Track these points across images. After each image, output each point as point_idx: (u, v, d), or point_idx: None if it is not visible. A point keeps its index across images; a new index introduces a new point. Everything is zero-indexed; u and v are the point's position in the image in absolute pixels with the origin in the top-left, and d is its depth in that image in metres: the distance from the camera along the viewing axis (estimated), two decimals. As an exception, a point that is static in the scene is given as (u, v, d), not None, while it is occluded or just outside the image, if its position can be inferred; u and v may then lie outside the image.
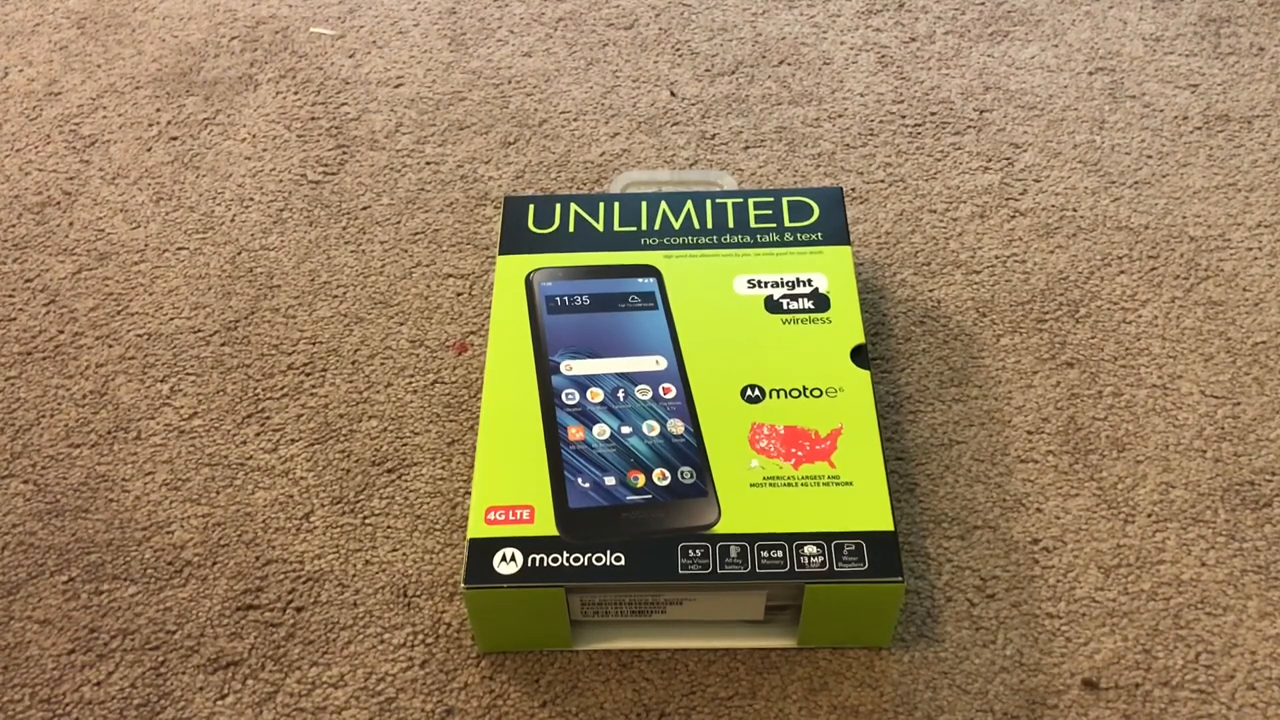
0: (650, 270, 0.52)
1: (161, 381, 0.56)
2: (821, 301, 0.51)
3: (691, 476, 0.45)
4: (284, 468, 0.52)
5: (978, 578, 0.48)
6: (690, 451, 0.46)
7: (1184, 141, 0.65)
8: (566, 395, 0.48)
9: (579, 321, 0.51)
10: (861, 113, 0.67)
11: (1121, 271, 0.59)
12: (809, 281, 0.52)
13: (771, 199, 0.55)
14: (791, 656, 0.46)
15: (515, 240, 0.54)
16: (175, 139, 0.67)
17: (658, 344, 0.50)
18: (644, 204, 0.55)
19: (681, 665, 0.46)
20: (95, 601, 0.48)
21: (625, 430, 0.47)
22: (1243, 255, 0.59)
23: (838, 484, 0.45)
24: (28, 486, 0.52)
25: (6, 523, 0.51)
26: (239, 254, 0.61)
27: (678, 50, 0.72)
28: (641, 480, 0.45)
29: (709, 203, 0.55)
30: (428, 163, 0.66)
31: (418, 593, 0.48)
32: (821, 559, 0.43)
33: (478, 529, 0.44)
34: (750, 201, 0.55)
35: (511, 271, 0.53)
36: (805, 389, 0.48)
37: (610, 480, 0.45)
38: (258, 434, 0.53)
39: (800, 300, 0.51)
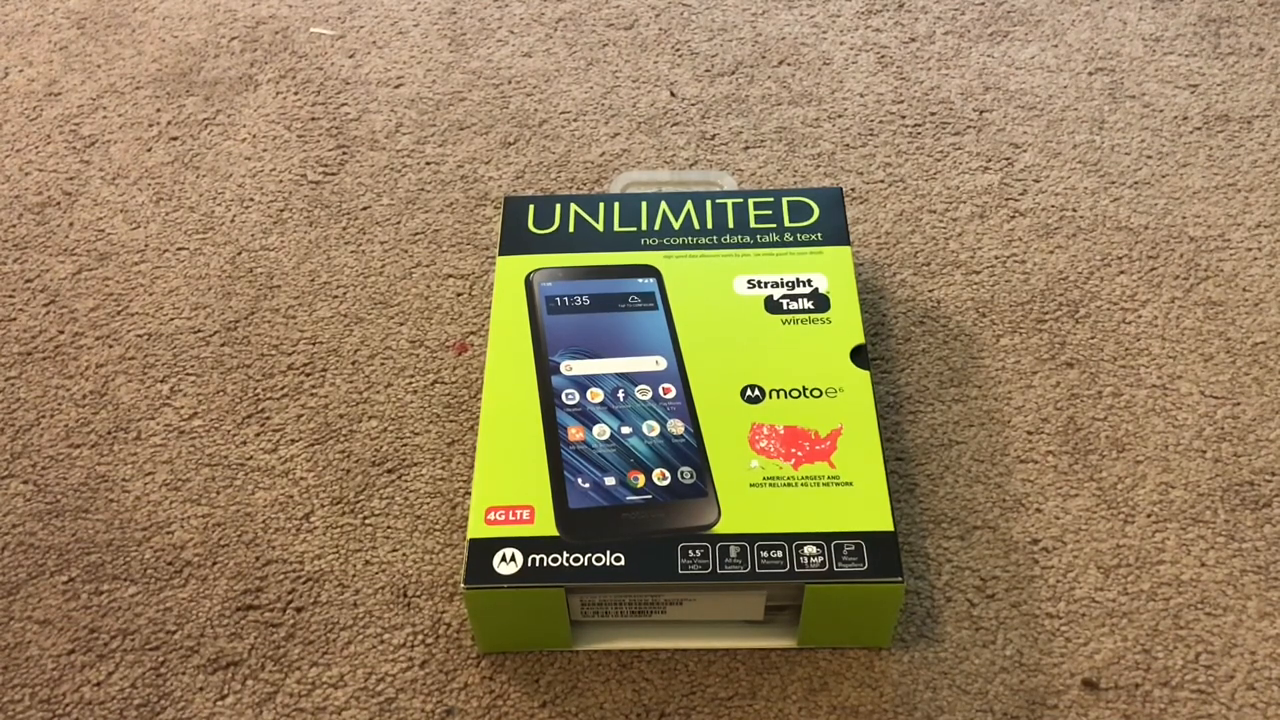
0: (650, 270, 0.52)
1: (161, 381, 0.56)
2: (821, 302, 0.51)
3: (691, 477, 0.45)
4: (284, 468, 0.52)
5: (978, 578, 0.48)
6: (690, 452, 0.46)
7: (1184, 141, 0.65)
8: (566, 395, 0.48)
9: (579, 322, 0.51)
10: (861, 113, 0.67)
11: (1121, 271, 0.59)
12: (809, 282, 0.52)
13: (771, 199, 0.55)
14: (791, 656, 0.46)
15: (515, 240, 0.54)
16: (175, 139, 0.67)
17: (658, 344, 0.50)
18: (644, 204, 0.55)
19: (681, 665, 0.46)
20: (95, 601, 0.48)
21: (625, 430, 0.47)
22: (1242, 255, 0.59)
23: (838, 484, 0.45)
24: (28, 486, 0.52)
25: (6, 523, 0.51)
26: (239, 254, 0.61)
27: (678, 50, 0.72)
28: (641, 480, 0.45)
29: (709, 203, 0.55)
30: (428, 163, 0.66)
31: (418, 593, 0.48)
32: (821, 559, 0.43)
33: (478, 529, 0.44)
34: (750, 201, 0.55)
35: (511, 271, 0.53)
36: (805, 389, 0.48)
37: (610, 480, 0.45)
38: (258, 434, 0.53)
39: (800, 300, 0.51)
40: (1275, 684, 0.45)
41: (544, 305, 0.51)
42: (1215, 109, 0.67)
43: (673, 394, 0.48)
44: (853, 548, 0.43)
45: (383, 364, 0.56)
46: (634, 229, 0.54)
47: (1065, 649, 0.46)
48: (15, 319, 0.59)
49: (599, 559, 0.43)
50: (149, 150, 0.67)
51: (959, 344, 0.56)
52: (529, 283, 0.52)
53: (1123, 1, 0.74)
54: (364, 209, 0.63)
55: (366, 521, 0.50)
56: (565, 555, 0.43)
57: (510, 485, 0.45)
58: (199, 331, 0.58)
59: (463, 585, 0.43)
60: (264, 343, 0.57)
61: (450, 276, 0.60)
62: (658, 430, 0.47)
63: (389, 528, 0.50)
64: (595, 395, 0.48)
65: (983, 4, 0.74)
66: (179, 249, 0.62)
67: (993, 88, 0.69)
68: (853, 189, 0.63)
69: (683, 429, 0.47)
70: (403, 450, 0.53)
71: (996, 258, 0.60)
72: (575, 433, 0.47)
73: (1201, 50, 0.70)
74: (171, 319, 0.58)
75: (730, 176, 0.59)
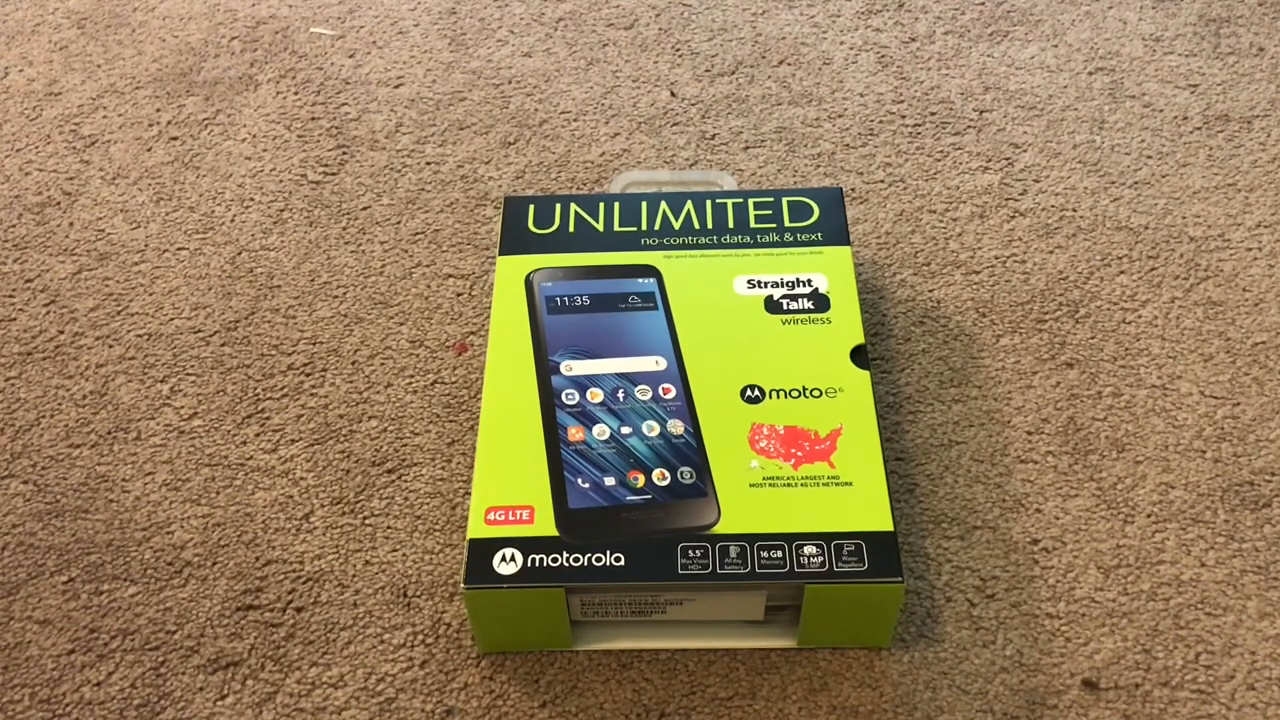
0: (650, 270, 0.52)
1: (161, 381, 0.56)
2: (821, 302, 0.51)
3: (691, 477, 0.45)
4: (284, 468, 0.52)
5: (978, 578, 0.48)
6: (690, 452, 0.46)
7: (1184, 141, 0.65)
8: (566, 395, 0.48)
9: (579, 322, 0.51)
10: (861, 113, 0.67)
11: (1121, 271, 0.59)
12: (809, 282, 0.52)
13: (771, 199, 0.55)
14: (791, 656, 0.46)
15: (515, 240, 0.54)
16: (175, 139, 0.67)
17: (658, 344, 0.50)
18: (644, 204, 0.55)
19: (681, 665, 0.46)
20: (95, 601, 0.48)
21: (625, 430, 0.47)
22: (1243, 255, 0.59)
23: (837, 484, 0.45)
24: (28, 486, 0.52)
25: (6, 523, 0.51)
26: (239, 254, 0.61)
27: (678, 50, 0.72)
28: (641, 480, 0.45)
29: (709, 203, 0.55)
30: (428, 163, 0.66)
31: (418, 593, 0.48)
32: (821, 559, 0.43)
33: (478, 529, 0.44)
34: (750, 201, 0.55)
35: (511, 271, 0.53)
36: (805, 389, 0.48)
37: (610, 480, 0.45)
38: (258, 434, 0.53)
39: (800, 300, 0.51)
40: (1275, 684, 0.45)
41: (544, 305, 0.51)
42: (1215, 109, 0.67)
43: (673, 394, 0.48)
44: (853, 548, 0.43)
45: (383, 364, 0.56)
46: (634, 229, 0.54)
47: (1065, 649, 0.46)
48: (15, 319, 0.59)
49: (599, 559, 0.43)
50: (149, 150, 0.67)
51: (959, 344, 0.56)
52: (529, 283, 0.52)
53: (1123, 1, 0.74)
54: (364, 209, 0.63)
55: (366, 521, 0.50)
56: (565, 555, 0.43)
57: (510, 485, 0.45)
58: (199, 331, 0.58)
59: (463, 585, 0.43)
60: (264, 343, 0.57)
61: (450, 276, 0.60)
62: (658, 430, 0.47)
63: (389, 528, 0.50)
64: (595, 395, 0.48)
65: (983, 4, 0.74)
66: (179, 249, 0.62)
67: (993, 88, 0.69)
68: (853, 189, 0.63)
69: (683, 429, 0.47)
70: (403, 450, 0.53)
71: (996, 258, 0.60)
72: (575, 433, 0.47)
73: (1201, 50, 0.70)
74: (171, 319, 0.58)
75: (730, 176, 0.59)
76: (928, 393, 0.54)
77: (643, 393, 0.48)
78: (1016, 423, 0.53)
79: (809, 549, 0.43)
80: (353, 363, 0.56)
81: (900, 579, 0.42)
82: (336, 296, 0.59)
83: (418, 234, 0.62)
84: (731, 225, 0.54)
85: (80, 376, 0.56)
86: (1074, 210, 0.62)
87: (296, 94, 0.70)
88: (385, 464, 0.52)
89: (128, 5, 0.76)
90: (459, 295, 0.59)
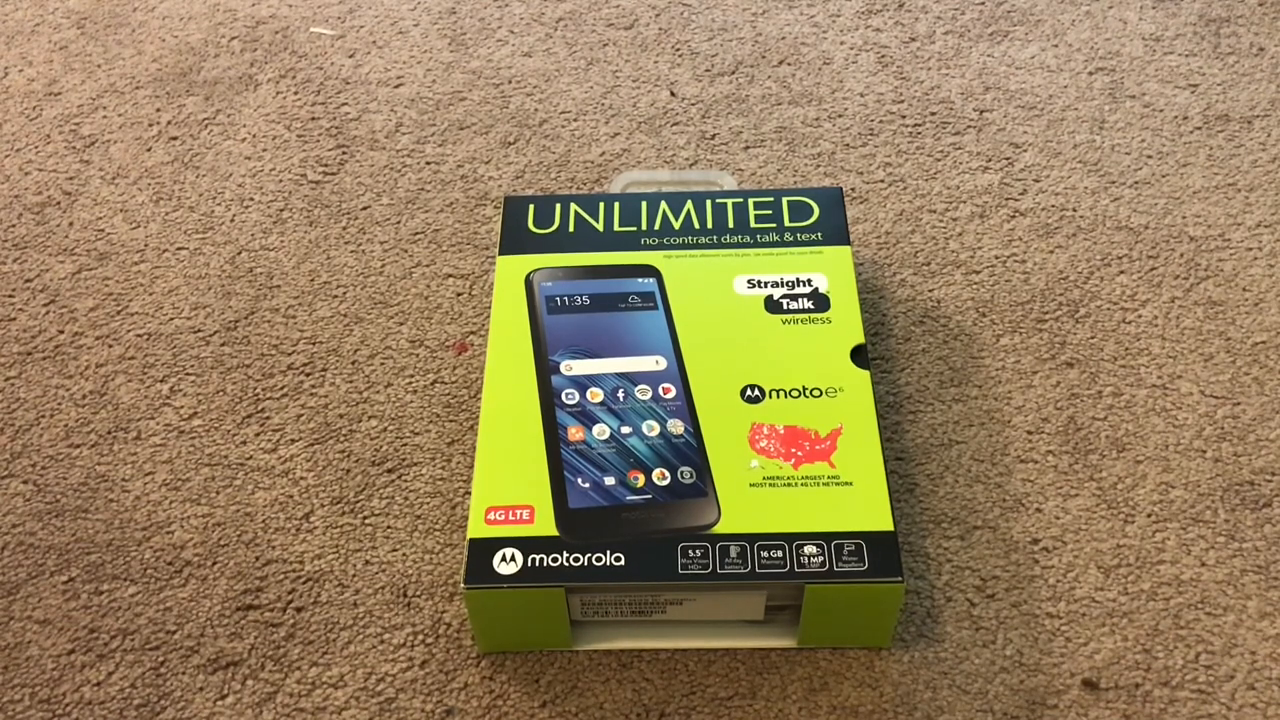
0: (650, 270, 0.52)
1: (161, 381, 0.56)
2: (821, 301, 0.51)
3: (691, 476, 0.45)
4: (284, 468, 0.52)
5: (978, 578, 0.48)
6: (690, 451, 0.46)
7: (1184, 141, 0.65)
8: (566, 395, 0.48)
9: (579, 321, 0.51)
10: (861, 113, 0.67)
11: (1121, 271, 0.59)
12: (809, 281, 0.52)
13: (771, 199, 0.55)
14: (791, 656, 0.46)
15: (515, 240, 0.54)
16: (175, 139, 0.67)
17: (658, 344, 0.50)
18: (644, 204, 0.55)
19: (681, 665, 0.46)
20: (95, 601, 0.48)
21: (625, 430, 0.47)
22: (1243, 255, 0.59)
23: (838, 484, 0.45)
24: (28, 486, 0.52)
25: (6, 523, 0.51)
26: (239, 254, 0.61)
27: (678, 50, 0.72)
28: (641, 480, 0.45)
29: (709, 203, 0.55)
30: (428, 163, 0.66)
31: (418, 593, 0.48)
32: (821, 559, 0.43)
33: (478, 529, 0.44)
34: (750, 201, 0.55)
35: (511, 271, 0.53)
36: (805, 389, 0.48)
37: (610, 480, 0.45)
38: (258, 434, 0.53)
39: (800, 300, 0.51)
40: (1275, 684, 0.45)
41: (544, 305, 0.51)
42: (1215, 109, 0.67)
43: (673, 394, 0.48)
44: (853, 547, 0.43)
45: (383, 364, 0.56)
46: (634, 229, 0.54)
47: (1065, 649, 0.46)
48: (15, 319, 0.59)
49: (599, 559, 0.43)
50: (149, 150, 0.67)
51: (959, 344, 0.56)
52: (529, 282, 0.52)
53: (1123, 1, 0.74)
54: (364, 209, 0.63)
55: (366, 521, 0.50)
56: (565, 555, 0.43)
57: (510, 485, 0.45)
58: (199, 331, 0.58)
59: (463, 585, 0.43)
60: (264, 343, 0.57)
61: (450, 276, 0.60)
62: (658, 430, 0.47)
63: (389, 528, 0.50)
64: (595, 395, 0.48)
65: (983, 4, 0.74)
66: (179, 249, 0.62)
67: (993, 88, 0.69)
68: (853, 189, 0.63)
69: (683, 429, 0.47)
70: (403, 450, 0.53)
71: (996, 258, 0.60)
72: (575, 432, 0.47)
73: (1201, 50, 0.70)
74: (171, 319, 0.58)
75: (730, 176, 0.59)
76: (928, 393, 0.54)
77: (643, 392, 0.48)
78: (1017, 422, 0.53)
79: (809, 549, 0.43)
80: (353, 363, 0.56)
81: (900, 579, 0.42)
82: (336, 296, 0.59)
83: (418, 234, 0.62)
84: (731, 225, 0.54)
85: (80, 376, 0.56)
86: (1074, 210, 0.62)
87: (296, 94, 0.70)
88: (385, 464, 0.52)
89: (128, 5, 0.76)
90: (459, 295, 0.59)
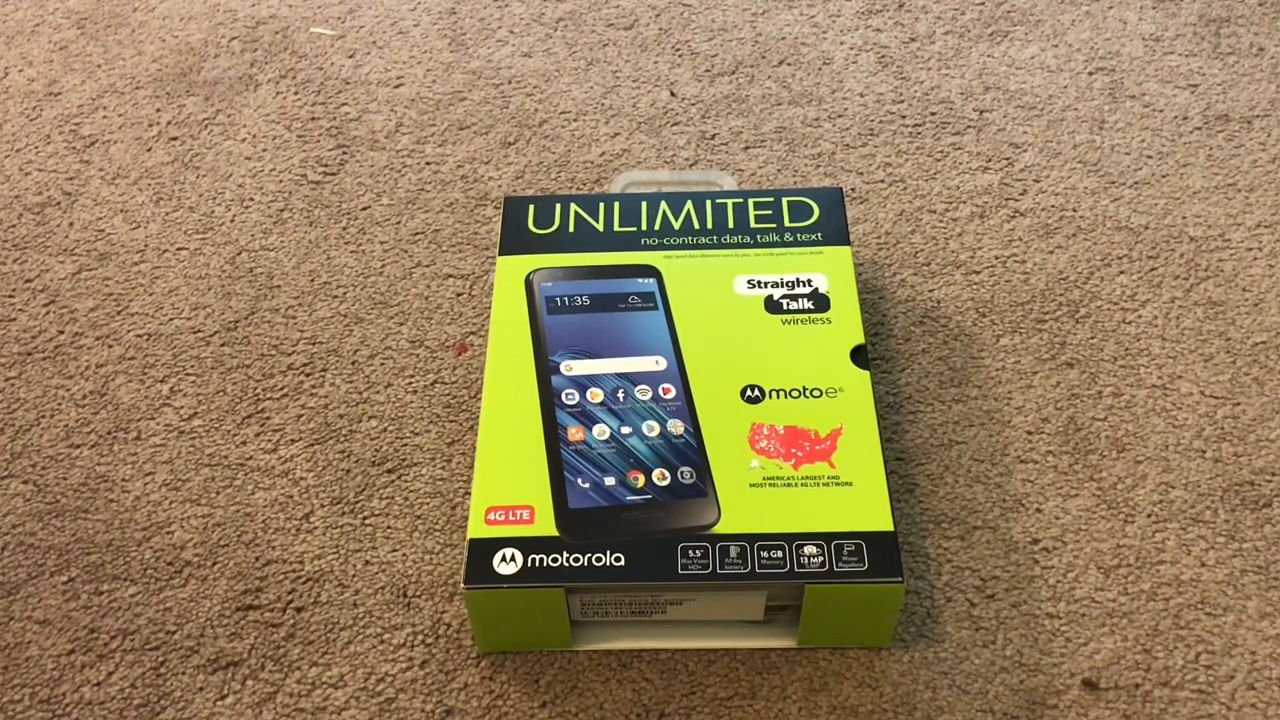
0: (650, 270, 0.52)
1: (161, 381, 0.56)
2: (821, 301, 0.51)
3: (691, 477, 0.45)
4: (284, 468, 0.52)
5: (978, 578, 0.48)
6: (690, 452, 0.46)
7: (1184, 141, 0.65)
8: (566, 395, 0.48)
9: (579, 322, 0.51)
10: (861, 113, 0.67)
11: (1121, 271, 0.59)
12: (809, 281, 0.52)
13: (771, 199, 0.55)
14: (791, 656, 0.46)
15: (515, 240, 0.54)
16: (175, 139, 0.67)
17: (658, 344, 0.50)
18: (644, 204, 0.55)
19: (681, 665, 0.46)
20: (95, 601, 0.48)
21: (625, 430, 0.47)
22: (1243, 255, 0.59)
23: (837, 484, 0.45)
24: (28, 486, 0.52)
25: (6, 523, 0.51)
26: (239, 254, 0.61)
27: (678, 50, 0.72)
28: (641, 480, 0.45)
29: (709, 203, 0.55)
30: (428, 163, 0.66)
31: (418, 593, 0.48)
32: (821, 559, 0.43)
33: (478, 529, 0.44)
34: (750, 201, 0.55)
35: (511, 271, 0.53)
36: (805, 389, 0.48)
37: (610, 480, 0.45)
38: (258, 434, 0.53)
39: (800, 300, 0.51)
40: (1275, 684, 0.45)
41: (544, 305, 0.51)
42: (1215, 109, 0.67)
43: (673, 394, 0.48)
44: (853, 548, 0.43)
45: (383, 364, 0.56)
46: (634, 229, 0.54)
47: (1065, 649, 0.46)
48: (15, 319, 0.59)
49: (599, 559, 0.43)
50: (149, 150, 0.67)
51: (959, 344, 0.56)
52: (529, 283, 0.52)
53: (1123, 1, 0.74)
54: (364, 209, 0.63)
55: (366, 521, 0.50)
56: (565, 555, 0.43)
57: (510, 485, 0.45)
58: (199, 331, 0.58)
59: (463, 585, 0.43)
60: (264, 343, 0.57)
61: (450, 276, 0.60)
62: (658, 430, 0.47)
63: (389, 528, 0.50)
64: (595, 395, 0.48)
65: (983, 4, 0.74)
66: (179, 249, 0.62)
67: (993, 88, 0.69)
68: (853, 189, 0.63)
69: (683, 429, 0.47)
70: (403, 450, 0.53)
71: (996, 258, 0.60)
72: (575, 433, 0.47)
73: (1201, 50, 0.70)
74: (171, 319, 0.58)
75: (730, 176, 0.59)
76: (928, 393, 0.54)
77: (643, 393, 0.48)
78: (1016, 423, 0.53)
79: (809, 549, 0.43)
80: (353, 363, 0.56)
81: (900, 579, 0.42)
82: (336, 296, 0.59)
83: (418, 234, 0.62)
84: (731, 225, 0.54)
85: (80, 376, 0.56)
86: (1074, 210, 0.62)
87: (296, 94, 0.70)
88: (385, 464, 0.52)
89: (128, 5, 0.76)
90: (459, 295, 0.59)
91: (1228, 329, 0.56)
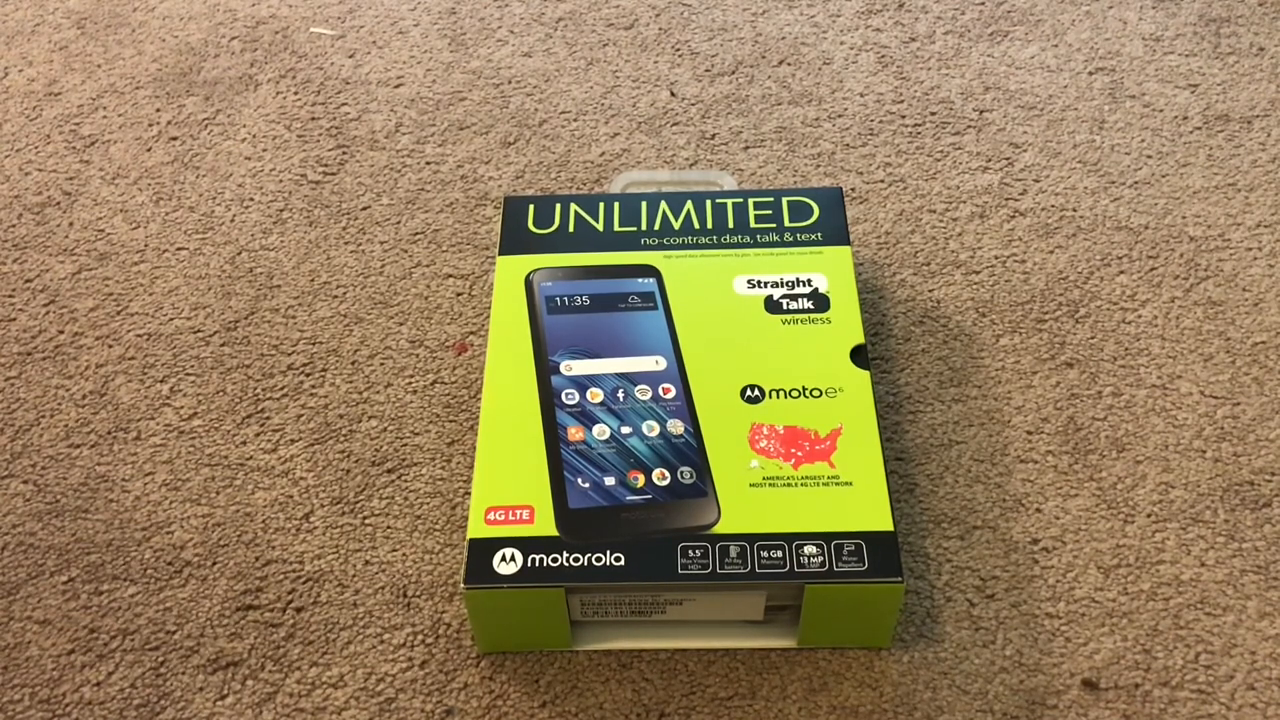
0: (650, 270, 0.52)
1: (161, 381, 0.56)
2: (821, 301, 0.51)
3: (691, 476, 0.45)
4: (284, 468, 0.52)
5: (978, 578, 0.48)
6: (690, 451, 0.46)
7: (1184, 141, 0.65)
8: (566, 395, 0.48)
9: (579, 321, 0.51)
10: (861, 113, 0.67)
11: (1121, 271, 0.59)
12: (809, 281, 0.52)
13: (771, 199, 0.55)
14: (791, 656, 0.46)
15: (515, 240, 0.54)
16: (175, 139, 0.67)
17: (658, 344, 0.50)
18: (644, 204, 0.55)
19: (681, 665, 0.46)
20: (95, 601, 0.48)
21: (625, 430, 0.47)
22: (1243, 255, 0.59)
23: (837, 484, 0.45)
24: (28, 486, 0.52)
25: (6, 523, 0.51)
26: (239, 254, 0.61)
27: (678, 50, 0.72)
28: (641, 480, 0.45)
29: (709, 203, 0.55)
30: (428, 163, 0.66)
31: (418, 593, 0.48)
32: (821, 559, 0.43)
33: (478, 529, 0.44)
34: (750, 201, 0.55)
35: (511, 271, 0.53)
36: (805, 389, 0.48)
37: (610, 480, 0.45)
38: (258, 434, 0.53)
39: (800, 300, 0.51)
40: (1275, 684, 0.45)
41: (544, 305, 0.51)
42: (1215, 109, 0.67)
43: (672, 394, 0.48)
44: (853, 548, 0.43)
45: (383, 364, 0.56)
46: (634, 229, 0.54)
47: (1065, 649, 0.46)
48: (15, 319, 0.59)
49: (599, 559, 0.43)
50: (149, 150, 0.67)
51: (959, 344, 0.56)
52: (529, 283, 0.52)
53: (1123, 1, 0.74)
54: (364, 209, 0.63)
55: (366, 521, 0.50)
56: (565, 555, 0.43)
57: (510, 485, 0.45)
58: (199, 331, 0.58)
59: (463, 585, 0.43)
60: (264, 343, 0.57)
61: (450, 276, 0.60)
62: (657, 430, 0.47)
63: (389, 528, 0.50)
64: (595, 395, 0.48)
65: (983, 4, 0.74)
66: (179, 249, 0.62)
67: (993, 88, 0.69)
68: (853, 189, 0.63)
69: (682, 429, 0.47)
70: (403, 450, 0.53)
71: (996, 258, 0.60)
72: (575, 433, 0.47)
73: (1201, 50, 0.70)
74: (171, 319, 0.58)
75: (730, 176, 0.59)
76: (928, 393, 0.54)
77: (643, 392, 0.48)
78: (1016, 423, 0.53)
79: (809, 549, 0.43)
80: (353, 363, 0.56)
81: (900, 579, 0.42)
82: (336, 296, 0.59)
83: (418, 234, 0.62)
84: (731, 225, 0.54)
85: (80, 376, 0.56)
86: (1074, 210, 0.62)
87: (296, 94, 0.70)
88: (385, 464, 0.52)
89: (128, 5, 0.76)
90: (459, 295, 0.59)
91: (1228, 329, 0.56)
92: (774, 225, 0.54)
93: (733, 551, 0.43)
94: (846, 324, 0.50)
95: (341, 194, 0.64)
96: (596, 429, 0.47)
